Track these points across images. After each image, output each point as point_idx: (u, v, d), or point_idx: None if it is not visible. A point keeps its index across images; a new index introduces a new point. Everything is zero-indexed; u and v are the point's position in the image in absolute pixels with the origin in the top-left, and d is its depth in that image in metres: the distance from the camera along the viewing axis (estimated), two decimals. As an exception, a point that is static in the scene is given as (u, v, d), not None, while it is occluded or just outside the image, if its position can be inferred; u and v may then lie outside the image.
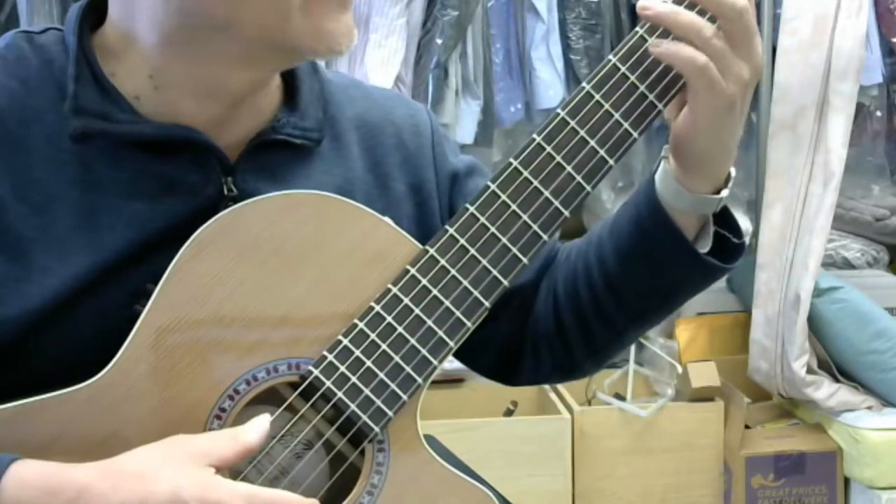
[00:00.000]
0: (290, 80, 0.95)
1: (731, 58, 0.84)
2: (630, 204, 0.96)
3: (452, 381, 2.29)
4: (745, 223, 2.62)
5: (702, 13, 0.84)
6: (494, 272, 0.86)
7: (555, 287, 1.02)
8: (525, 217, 0.86)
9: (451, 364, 0.98)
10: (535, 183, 0.86)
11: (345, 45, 0.86)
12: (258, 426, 0.79)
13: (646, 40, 0.87)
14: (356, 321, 0.84)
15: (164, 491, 0.73)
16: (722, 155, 0.90)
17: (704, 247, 0.93)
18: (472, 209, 0.86)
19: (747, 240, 2.55)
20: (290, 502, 0.77)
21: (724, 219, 0.94)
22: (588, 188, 0.87)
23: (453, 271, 0.85)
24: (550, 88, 2.37)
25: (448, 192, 1.03)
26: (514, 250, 0.86)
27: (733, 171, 0.93)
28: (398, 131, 1.01)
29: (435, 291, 0.85)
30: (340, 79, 1.03)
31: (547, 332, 1.02)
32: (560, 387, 2.31)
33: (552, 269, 1.04)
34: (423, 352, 0.84)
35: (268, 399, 0.84)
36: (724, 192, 0.91)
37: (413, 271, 0.85)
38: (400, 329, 0.84)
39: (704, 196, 0.90)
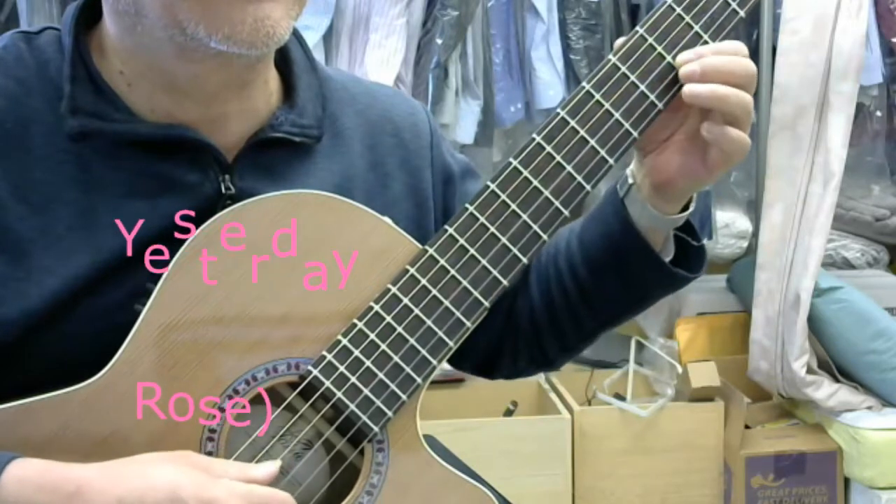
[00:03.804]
0: (287, 78, 0.95)
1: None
2: (597, 219, 0.99)
3: (452, 381, 2.29)
4: (745, 223, 2.62)
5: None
6: (494, 272, 0.86)
7: (529, 291, 1.05)
8: (525, 217, 0.86)
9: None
10: (535, 182, 0.86)
11: (256, 38, 0.81)
12: (268, 468, 0.79)
13: (646, 40, 0.87)
14: (355, 321, 0.84)
15: (163, 488, 0.73)
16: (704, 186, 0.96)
17: (668, 255, 0.97)
18: (471, 209, 0.86)
19: (746, 244, 2.57)
20: (285, 502, 0.77)
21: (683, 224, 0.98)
22: (588, 188, 0.87)
23: (453, 271, 0.85)
24: (550, 88, 2.37)
25: (442, 195, 1.03)
26: (514, 250, 0.86)
27: None
28: (398, 130, 1.01)
29: (434, 291, 0.85)
30: (340, 76, 1.03)
31: (525, 333, 1.05)
32: (560, 387, 2.31)
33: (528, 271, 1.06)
34: (423, 352, 0.84)
35: (268, 399, 0.84)
36: (692, 207, 0.96)
37: (412, 271, 0.85)
38: (399, 329, 0.84)
39: (674, 216, 0.94)
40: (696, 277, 0.99)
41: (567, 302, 1.01)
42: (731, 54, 0.87)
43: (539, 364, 1.09)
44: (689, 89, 0.86)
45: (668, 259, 0.96)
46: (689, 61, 0.87)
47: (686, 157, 0.90)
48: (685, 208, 0.95)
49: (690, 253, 0.99)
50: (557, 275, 1.01)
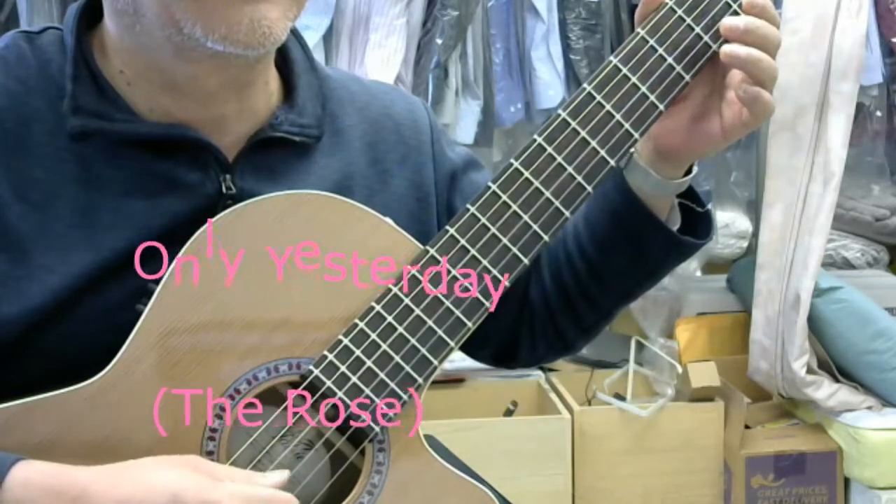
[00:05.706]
0: (287, 78, 0.95)
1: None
2: (599, 195, 0.98)
3: (452, 381, 2.29)
4: (745, 223, 2.63)
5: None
6: (495, 273, 0.86)
7: (541, 276, 1.05)
8: (526, 218, 0.86)
9: (451, 364, 0.99)
10: (536, 184, 0.86)
11: (252, 38, 0.81)
12: (274, 478, 0.79)
13: (647, 41, 0.88)
14: (356, 321, 0.84)
15: (165, 491, 0.73)
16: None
17: (674, 223, 0.98)
18: (472, 209, 0.86)
19: (746, 244, 2.57)
20: (286, 502, 0.77)
21: (686, 190, 0.99)
22: (589, 189, 0.87)
23: (454, 272, 0.85)
24: (550, 88, 2.37)
25: (446, 190, 1.04)
26: (515, 251, 0.86)
27: None
28: (398, 127, 1.02)
29: (435, 292, 0.85)
30: (340, 74, 1.04)
31: (540, 319, 1.06)
32: (560, 387, 2.31)
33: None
34: (423, 351, 0.84)
35: (269, 399, 0.84)
36: (695, 170, 0.96)
37: (413, 271, 0.85)
38: (400, 329, 0.84)
39: (678, 180, 0.95)
40: (704, 244, 0.99)
41: (578, 282, 1.02)
42: (769, 20, 0.89)
43: (559, 348, 1.09)
44: (729, 49, 0.87)
45: (674, 228, 0.97)
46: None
47: (700, 122, 0.92)
48: (687, 172, 0.96)
49: (696, 220, 0.99)
50: (567, 256, 1.02)
